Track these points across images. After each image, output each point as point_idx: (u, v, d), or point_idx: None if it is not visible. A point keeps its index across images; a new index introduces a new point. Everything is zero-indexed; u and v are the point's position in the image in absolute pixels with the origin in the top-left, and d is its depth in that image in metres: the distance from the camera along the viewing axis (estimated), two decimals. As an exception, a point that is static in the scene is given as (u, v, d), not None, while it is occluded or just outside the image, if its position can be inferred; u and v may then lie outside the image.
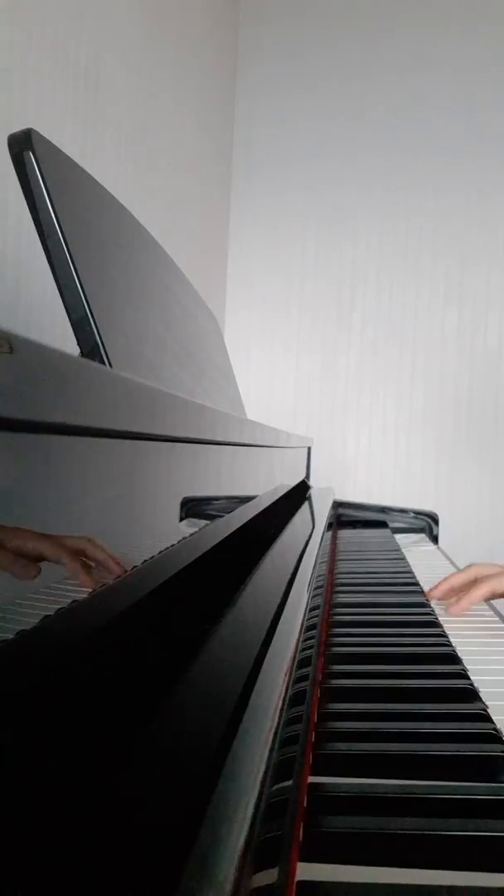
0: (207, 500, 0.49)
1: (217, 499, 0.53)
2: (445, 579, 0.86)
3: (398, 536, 1.43)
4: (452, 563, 1.19)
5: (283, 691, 0.31)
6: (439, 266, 2.35)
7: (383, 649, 0.61)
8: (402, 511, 1.58)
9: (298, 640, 0.40)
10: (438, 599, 0.84)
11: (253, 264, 2.43)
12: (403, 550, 1.21)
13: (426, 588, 0.87)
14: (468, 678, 0.54)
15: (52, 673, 0.22)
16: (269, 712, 0.27)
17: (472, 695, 0.51)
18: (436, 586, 0.86)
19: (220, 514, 0.53)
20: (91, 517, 0.26)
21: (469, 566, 0.87)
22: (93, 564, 0.26)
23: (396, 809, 0.36)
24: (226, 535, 0.51)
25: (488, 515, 2.32)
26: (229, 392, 1.06)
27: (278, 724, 0.28)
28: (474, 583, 0.82)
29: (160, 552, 0.35)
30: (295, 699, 0.36)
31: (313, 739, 0.43)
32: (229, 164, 2.42)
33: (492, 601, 0.84)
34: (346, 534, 1.44)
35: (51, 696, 0.21)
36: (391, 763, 0.40)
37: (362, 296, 2.39)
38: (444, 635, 0.66)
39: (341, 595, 0.82)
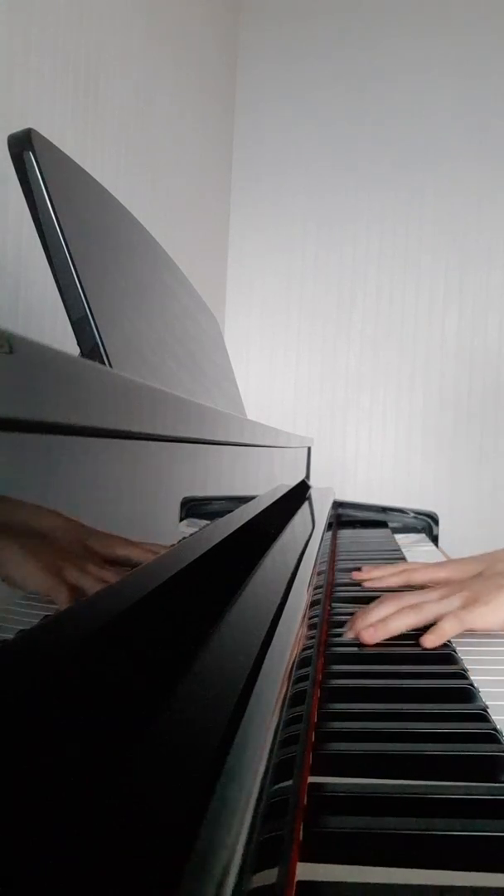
0: (207, 500, 0.49)
1: (217, 499, 0.53)
2: (377, 567, 0.89)
3: (398, 536, 1.43)
4: (452, 563, 1.18)
5: (283, 691, 0.31)
6: (439, 267, 2.35)
7: (383, 649, 0.61)
8: (402, 511, 1.58)
9: (298, 640, 0.40)
10: (360, 581, 0.87)
11: (253, 266, 2.43)
12: (403, 550, 1.21)
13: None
14: (468, 678, 0.54)
15: (52, 673, 0.22)
16: (269, 712, 0.27)
17: (471, 695, 0.51)
18: (366, 570, 0.88)
19: (220, 514, 0.53)
20: (91, 517, 0.26)
21: (400, 564, 0.90)
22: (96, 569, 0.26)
23: (396, 809, 0.36)
24: (226, 535, 0.51)
25: (488, 515, 2.32)
26: (229, 392, 1.06)
27: (278, 724, 0.28)
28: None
29: (160, 552, 0.35)
30: (295, 699, 0.36)
31: (313, 739, 0.43)
32: (229, 165, 2.42)
33: None
34: (346, 534, 1.44)
35: (50, 697, 0.21)
36: (391, 763, 0.40)
37: (362, 296, 2.39)
38: (444, 635, 0.66)
39: (341, 594, 0.82)
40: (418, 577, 0.84)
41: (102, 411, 0.24)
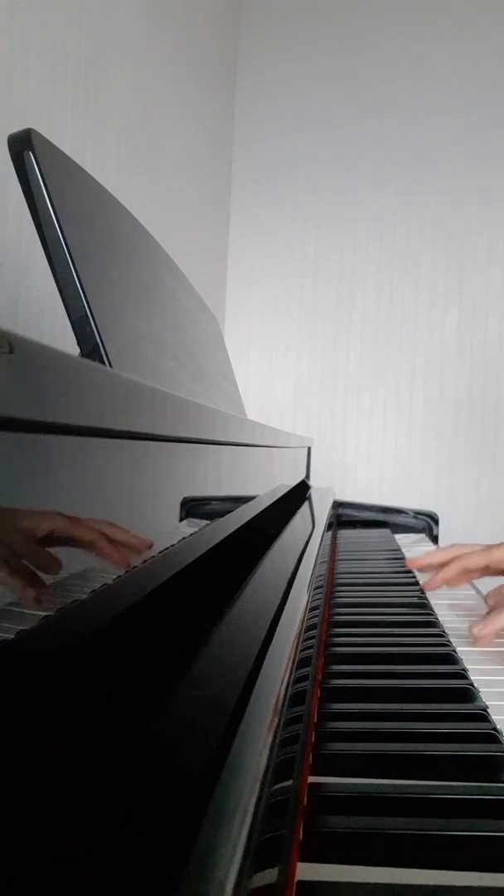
0: (207, 500, 0.49)
1: (217, 499, 0.53)
2: (427, 555, 0.89)
3: (398, 536, 1.43)
4: (452, 563, 1.18)
5: (283, 691, 0.31)
6: (439, 267, 2.35)
7: (383, 649, 0.61)
8: (402, 511, 1.58)
9: (298, 640, 0.40)
10: (417, 570, 0.89)
11: (253, 266, 2.43)
12: (403, 550, 1.21)
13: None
14: (468, 678, 0.54)
15: (53, 673, 0.22)
16: (269, 712, 0.27)
17: (472, 695, 0.51)
18: (416, 558, 0.89)
19: (221, 514, 0.53)
20: (91, 517, 0.26)
21: (452, 545, 0.89)
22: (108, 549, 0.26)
23: (396, 809, 0.36)
24: (226, 535, 0.51)
25: (488, 515, 2.32)
26: (229, 392, 1.06)
27: (278, 724, 0.28)
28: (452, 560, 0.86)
29: (160, 552, 0.35)
30: (295, 699, 0.36)
31: (313, 739, 0.43)
32: (229, 165, 2.42)
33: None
34: (346, 533, 1.44)
35: (51, 696, 0.21)
36: (391, 763, 0.40)
37: (362, 296, 2.39)
38: (443, 635, 0.66)
39: (341, 595, 0.82)
40: (472, 562, 0.84)
41: (102, 411, 0.24)
